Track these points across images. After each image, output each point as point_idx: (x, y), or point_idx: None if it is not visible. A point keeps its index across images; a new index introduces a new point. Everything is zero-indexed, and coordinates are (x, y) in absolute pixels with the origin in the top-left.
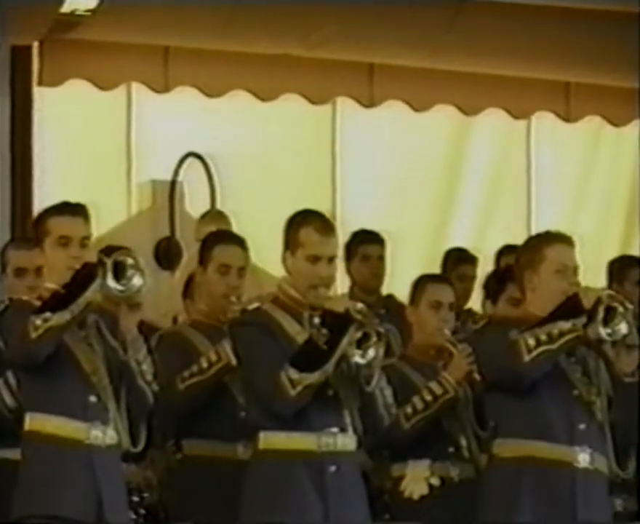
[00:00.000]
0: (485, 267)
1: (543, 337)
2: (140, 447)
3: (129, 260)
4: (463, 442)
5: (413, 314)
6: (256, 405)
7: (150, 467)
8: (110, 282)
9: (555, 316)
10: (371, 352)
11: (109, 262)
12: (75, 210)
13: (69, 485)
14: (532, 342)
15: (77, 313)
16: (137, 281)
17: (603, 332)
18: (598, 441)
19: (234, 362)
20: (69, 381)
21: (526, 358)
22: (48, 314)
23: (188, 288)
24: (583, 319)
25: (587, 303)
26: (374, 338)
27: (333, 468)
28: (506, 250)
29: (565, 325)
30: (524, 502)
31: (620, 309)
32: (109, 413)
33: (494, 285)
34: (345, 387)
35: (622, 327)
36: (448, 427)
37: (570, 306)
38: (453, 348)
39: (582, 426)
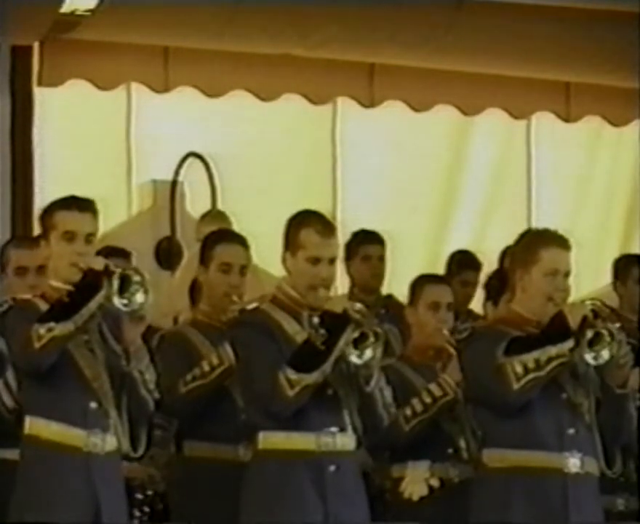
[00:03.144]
0: (485, 267)
1: (531, 364)
2: (140, 452)
3: (136, 277)
4: (462, 443)
5: (412, 315)
6: (254, 405)
7: (150, 464)
8: (115, 297)
9: (542, 339)
10: (368, 352)
11: (116, 274)
12: (83, 206)
13: (66, 492)
14: (519, 369)
15: (81, 323)
16: (139, 298)
17: (588, 357)
18: (588, 444)
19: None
20: (70, 387)
21: (515, 386)
22: (52, 324)
23: (194, 290)
24: (570, 344)
25: (572, 321)
26: (371, 338)
27: (333, 467)
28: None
29: (552, 350)
30: (515, 511)
31: (606, 337)
32: (109, 419)
33: (495, 286)
34: (344, 386)
35: (605, 354)
36: (447, 429)
37: (557, 328)
38: (452, 350)
39: (571, 431)
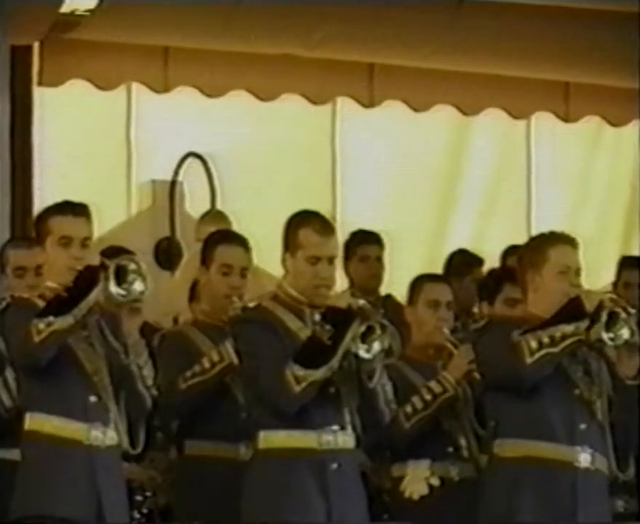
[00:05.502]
0: (485, 267)
1: (545, 339)
2: (139, 449)
3: (132, 265)
4: (462, 441)
5: (411, 314)
6: (259, 402)
7: (150, 467)
8: (112, 287)
9: (557, 318)
10: (376, 346)
11: (112, 266)
12: (77, 210)
13: (68, 485)
14: (534, 344)
15: (80, 317)
16: (138, 286)
17: (605, 336)
18: (599, 441)
19: (236, 362)
20: (70, 381)
21: (528, 360)
22: (51, 318)
23: (194, 290)
24: (586, 323)
25: (589, 306)
26: (378, 331)
27: (334, 465)
28: (511, 251)
29: (567, 328)
30: (525, 502)
31: (623, 314)
32: (110, 413)
33: (492, 286)
34: (346, 384)
35: (625, 332)
36: (447, 427)
37: (572, 309)
38: (452, 348)
39: (583, 426)
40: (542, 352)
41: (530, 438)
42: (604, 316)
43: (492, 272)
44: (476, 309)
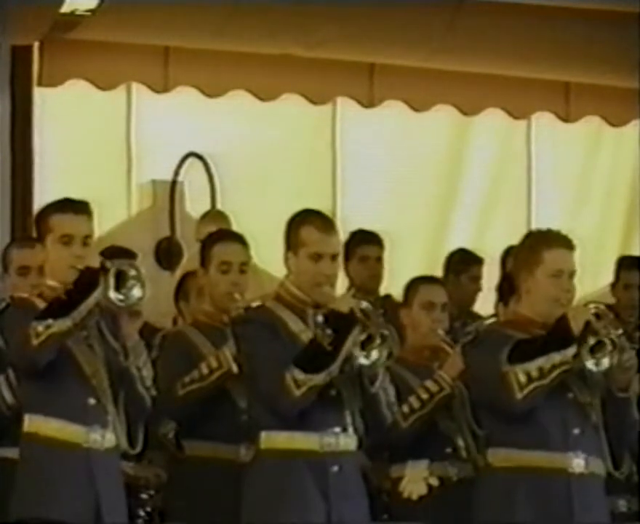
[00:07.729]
0: (485, 267)
1: (534, 373)
2: (138, 449)
3: (132, 272)
4: (460, 442)
5: (406, 316)
6: (259, 403)
7: (148, 467)
8: (111, 292)
9: (545, 345)
10: (374, 354)
11: (112, 270)
12: (78, 208)
13: (67, 488)
14: (523, 379)
15: (78, 320)
16: (136, 292)
17: (589, 364)
18: (593, 444)
19: (235, 369)
20: (69, 384)
21: (519, 396)
22: (50, 321)
23: (181, 290)
24: (573, 350)
25: (575, 326)
26: (377, 340)
27: (335, 468)
28: (511, 251)
29: (556, 358)
30: (520, 510)
31: (608, 345)
32: (108, 415)
33: (506, 288)
34: (347, 387)
35: (605, 362)
36: (444, 428)
37: (560, 334)
38: (448, 348)
39: (576, 431)
40: (532, 387)
41: (523, 447)
42: (589, 344)
43: (508, 274)
44: (479, 310)
